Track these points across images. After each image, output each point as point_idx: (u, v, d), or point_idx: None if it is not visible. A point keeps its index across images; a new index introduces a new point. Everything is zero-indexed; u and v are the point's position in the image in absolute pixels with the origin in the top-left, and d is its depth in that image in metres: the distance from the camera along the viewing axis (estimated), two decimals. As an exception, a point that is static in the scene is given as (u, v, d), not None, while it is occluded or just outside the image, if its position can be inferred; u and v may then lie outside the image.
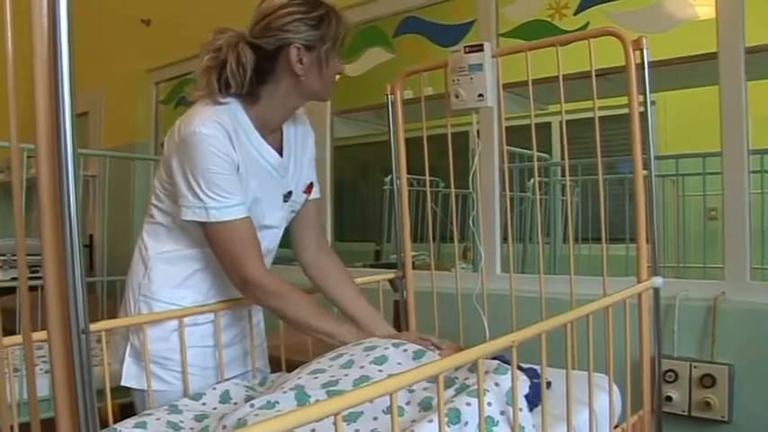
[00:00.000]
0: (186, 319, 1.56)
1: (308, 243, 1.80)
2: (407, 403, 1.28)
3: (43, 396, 2.33)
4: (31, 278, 2.87)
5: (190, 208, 1.46)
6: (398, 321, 2.19)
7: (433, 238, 2.14)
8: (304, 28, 1.51)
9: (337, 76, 1.66)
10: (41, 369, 2.55)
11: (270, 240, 1.67)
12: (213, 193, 1.44)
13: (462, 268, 2.29)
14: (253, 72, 1.51)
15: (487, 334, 1.93)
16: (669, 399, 2.07)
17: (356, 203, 4.66)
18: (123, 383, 1.55)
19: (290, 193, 1.67)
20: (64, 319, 0.59)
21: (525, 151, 3.72)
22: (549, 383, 1.44)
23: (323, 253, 1.82)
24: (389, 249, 4.24)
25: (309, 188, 1.76)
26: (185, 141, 1.45)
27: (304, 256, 1.81)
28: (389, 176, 4.11)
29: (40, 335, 1.31)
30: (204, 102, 1.52)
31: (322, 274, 1.80)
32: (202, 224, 1.48)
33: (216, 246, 1.50)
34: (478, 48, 1.83)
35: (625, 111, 1.63)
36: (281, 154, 1.63)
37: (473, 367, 1.30)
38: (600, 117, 1.72)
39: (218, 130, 1.45)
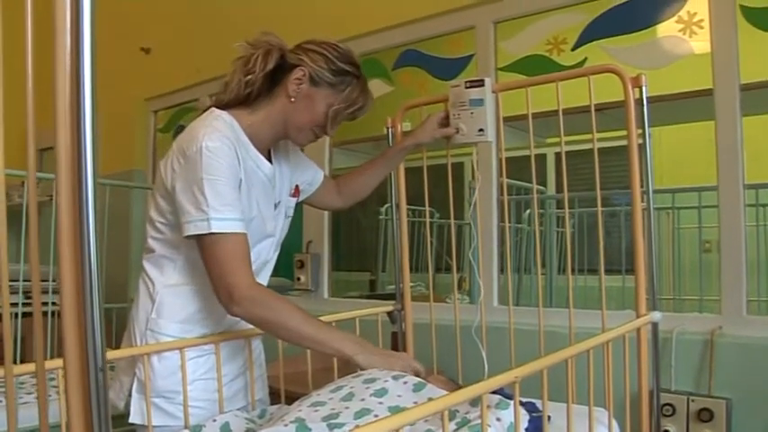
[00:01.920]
0: (192, 353, 1.55)
1: (334, 198, 1.97)
2: (409, 436, 1.27)
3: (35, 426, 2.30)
4: (25, 304, 2.82)
5: (192, 222, 1.44)
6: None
7: (429, 270, 2.15)
8: (322, 65, 1.57)
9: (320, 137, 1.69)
10: (36, 398, 2.53)
11: (268, 250, 1.69)
12: (218, 203, 1.43)
13: (458, 299, 2.29)
14: (269, 75, 1.57)
15: (486, 367, 1.92)
16: (667, 433, 2.07)
17: (352, 233, 4.66)
18: (131, 420, 1.52)
19: (279, 202, 1.71)
20: (82, 356, 0.59)
21: (521, 183, 3.75)
22: (548, 418, 1.43)
23: (339, 187, 1.97)
24: (384, 279, 4.24)
25: (296, 191, 1.81)
26: (193, 158, 1.45)
27: (336, 204, 2.00)
28: (385, 206, 4.13)
29: (27, 367, 1.31)
30: (201, 119, 1.55)
31: (349, 189, 1.97)
32: (198, 239, 1.46)
33: (208, 257, 1.46)
34: (479, 83, 1.85)
35: (619, 143, 1.65)
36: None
37: (474, 401, 1.30)
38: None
39: (224, 143, 1.47)
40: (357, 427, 0.86)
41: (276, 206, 1.69)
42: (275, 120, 1.61)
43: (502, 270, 2.63)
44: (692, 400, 2.06)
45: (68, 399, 0.59)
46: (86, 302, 0.58)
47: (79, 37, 0.63)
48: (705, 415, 2.03)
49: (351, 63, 1.61)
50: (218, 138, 1.47)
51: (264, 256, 1.67)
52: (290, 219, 1.78)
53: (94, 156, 0.62)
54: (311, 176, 1.88)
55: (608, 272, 1.78)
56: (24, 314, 3.06)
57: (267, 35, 1.59)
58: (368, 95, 1.66)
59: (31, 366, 1.26)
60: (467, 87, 1.87)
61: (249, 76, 1.56)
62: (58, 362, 1.32)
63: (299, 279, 3.22)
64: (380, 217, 4.21)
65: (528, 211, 3.83)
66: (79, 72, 0.63)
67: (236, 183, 1.49)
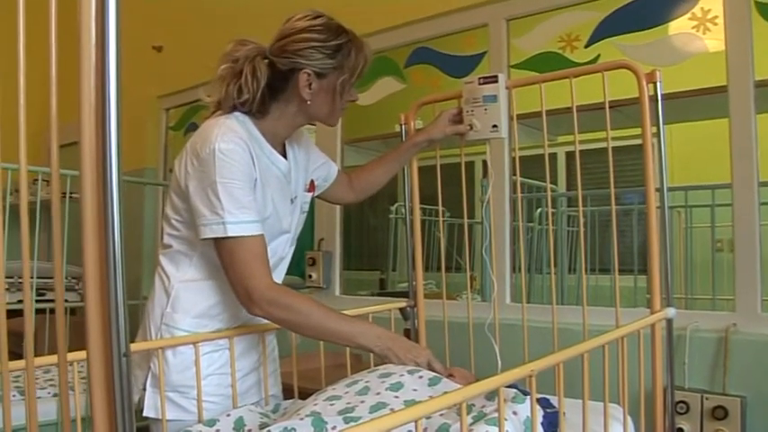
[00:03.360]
0: (206, 347, 1.56)
1: (347, 192, 1.98)
2: (425, 429, 1.27)
3: (51, 420, 2.33)
4: (39, 301, 2.84)
5: (207, 225, 1.45)
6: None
7: (441, 268, 2.15)
8: (318, 56, 1.54)
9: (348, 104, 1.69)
10: (49, 393, 2.55)
11: (283, 246, 1.69)
12: (233, 207, 1.43)
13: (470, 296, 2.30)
14: (266, 87, 1.55)
15: (499, 363, 1.92)
16: (681, 431, 2.06)
17: (362, 232, 4.67)
18: (145, 414, 1.53)
19: (295, 197, 1.71)
20: (105, 342, 0.59)
21: (532, 182, 3.75)
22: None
23: (352, 182, 1.98)
24: (395, 278, 4.25)
25: (312, 186, 1.81)
26: (206, 160, 1.45)
27: (348, 198, 2.01)
28: (395, 205, 4.14)
29: (48, 359, 1.32)
30: (214, 118, 1.55)
31: (361, 183, 1.99)
32: (216, 241, 1.47)
33: (226, 259, 1.47)
34: (493, 79, 1.86)
35: (630, 143, 1.65)
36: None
37: (490, 395, 1.30)
38: (606, 148, 1.74)
39: (237, 144, 1.47)
40: (373, 419, 0.86)
41: (292, 201, 1.70)
42: (292, 118, 1.62)
43: (514, 269, 2.63)
44: (706, 398, 2.05)
45: (91, 386, 0.59)
46: (110, 287, 0.59)
47: (104, 33, 0.63)
48: (719, 413, 2.02)
49: (337, 33, 1.56)
50: (231, 138, 1.47)
51: (280, 252, 1.67)
52: (305, 214, 1.78)
53: (119, 151, 0.63)
54: (326, 171, 1.88)
55: (620, 272, 1.78)
56: (39, 311, 3.08)
57: (237, 48, 1.56)
58: (363, 52, 1.61)
59: (52, 358, 1.27)
60: (480, 84, 1.87)
61: (244, 97, 1.54)
62: (80, 354, 1.33)
63: (310, 276, 3.23)
64: (391, 216, 4.21)
65: (539, 210, 3.82)
66: (104, 68, 0.63)
67: (250, 184, 1.49)
